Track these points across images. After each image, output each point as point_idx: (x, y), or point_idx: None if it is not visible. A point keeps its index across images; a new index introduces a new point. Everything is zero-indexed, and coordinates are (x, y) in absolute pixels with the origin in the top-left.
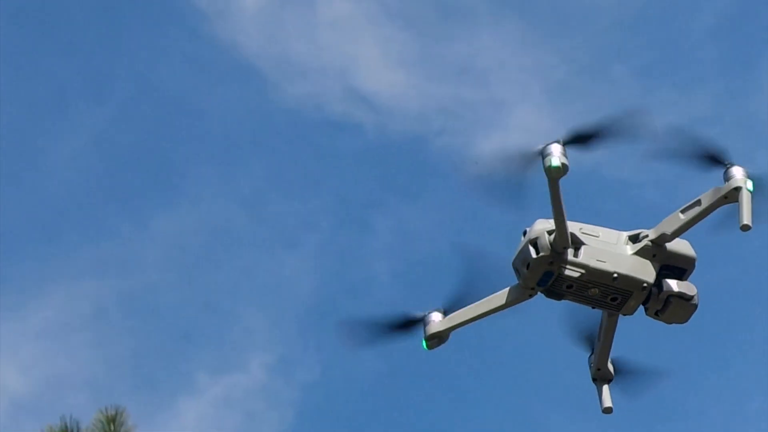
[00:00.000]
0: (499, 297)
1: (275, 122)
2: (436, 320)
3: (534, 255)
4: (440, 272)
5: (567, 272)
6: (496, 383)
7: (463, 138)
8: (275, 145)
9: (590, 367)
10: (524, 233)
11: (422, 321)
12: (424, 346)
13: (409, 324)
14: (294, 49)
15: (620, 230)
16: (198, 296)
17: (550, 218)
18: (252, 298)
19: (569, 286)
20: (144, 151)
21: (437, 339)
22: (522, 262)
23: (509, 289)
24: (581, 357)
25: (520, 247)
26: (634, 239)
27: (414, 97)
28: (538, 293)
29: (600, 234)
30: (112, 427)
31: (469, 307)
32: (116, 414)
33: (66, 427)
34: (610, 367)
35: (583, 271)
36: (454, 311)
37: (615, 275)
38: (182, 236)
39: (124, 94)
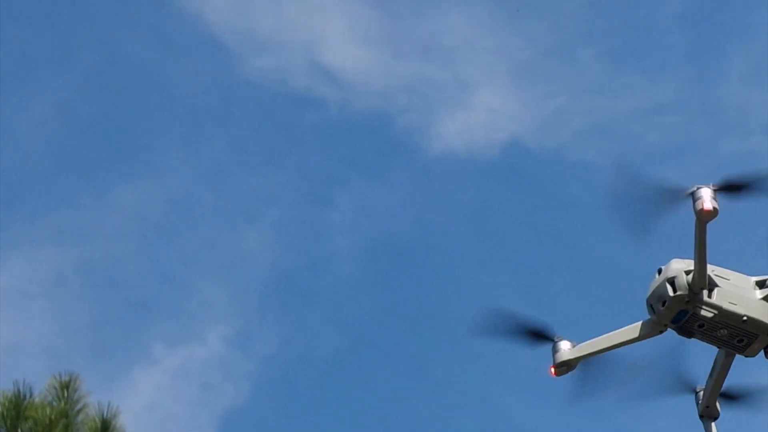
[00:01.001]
0: (631, 331)
1: (239, 95)
2: (566, 348)
3: (672, 293)
4: (402, 250)
5: (702, 312)
6: (457, 364)
7: (427, 116)
8: (238, 118)
9: (698, 404)
10: (659, 271)
11: (553, 344)
12: (552, 372)
13: (541, 337)
14: (259, 22)
15: (748, 275)
16: (157, 267)
17: (684, 258)
18: (211, 270)
19: (700, 326)
20: (106, 121)
21: (566, 366)
22: (658, 300)
23: (641, 324)
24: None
25: (655, 285)
26: (761, 284)
27: (379, 74)
28: (669, 329)
29: (730, 277)
30: (66, 394)
31: (600, 338)
32: (70, 380)
33: (19, 392)
34: (718, 405)
35: (716, 312)
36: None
37: (745, 318)
38: (143, 207)
39: (88, 63)
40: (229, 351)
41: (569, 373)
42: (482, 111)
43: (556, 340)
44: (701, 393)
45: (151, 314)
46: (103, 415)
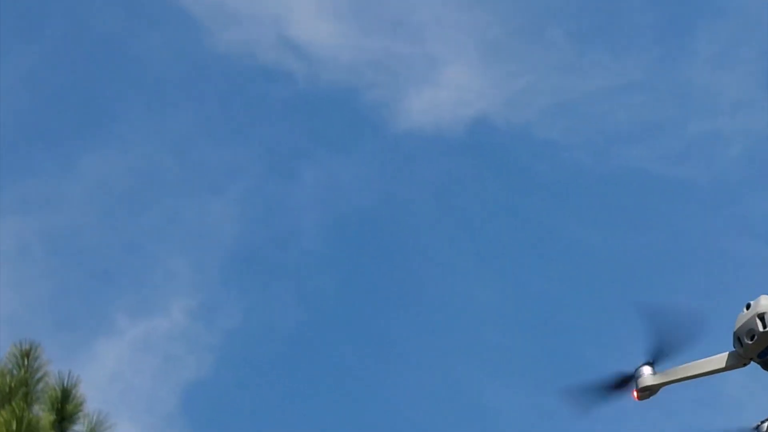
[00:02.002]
0: (717, 361)
1: (207, 68)
2: (648, 374)
3: (761, 329)
4: (367, 225)
5: None
6: (421, 339)
7: (394, 92)
8: (206, 90)
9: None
10: (747, 306)
11: (634, 375)
12: (635, 396)
13: (624, 382)
14: None
15: None
16: (121, 238)
17: None
18: (175, 242)
19: None
20: (73, 92)
21: (648, 391)
22: (747, 334)
23: (727, 355)
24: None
25: (744, 319)
26: None
27: (347, 48)
28: (752, 363)
29: None
30: (26, 362)
31: (684, 366)
32: (30, 349)
33: None
34: None
35: None
36: (661, 363)
37: None
38: (108, 177)
39: (55, 33)
40: (192, 323)
41: (651, 397)
42: (450, 88)
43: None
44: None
45: (114, 285)
46: (63, 384)
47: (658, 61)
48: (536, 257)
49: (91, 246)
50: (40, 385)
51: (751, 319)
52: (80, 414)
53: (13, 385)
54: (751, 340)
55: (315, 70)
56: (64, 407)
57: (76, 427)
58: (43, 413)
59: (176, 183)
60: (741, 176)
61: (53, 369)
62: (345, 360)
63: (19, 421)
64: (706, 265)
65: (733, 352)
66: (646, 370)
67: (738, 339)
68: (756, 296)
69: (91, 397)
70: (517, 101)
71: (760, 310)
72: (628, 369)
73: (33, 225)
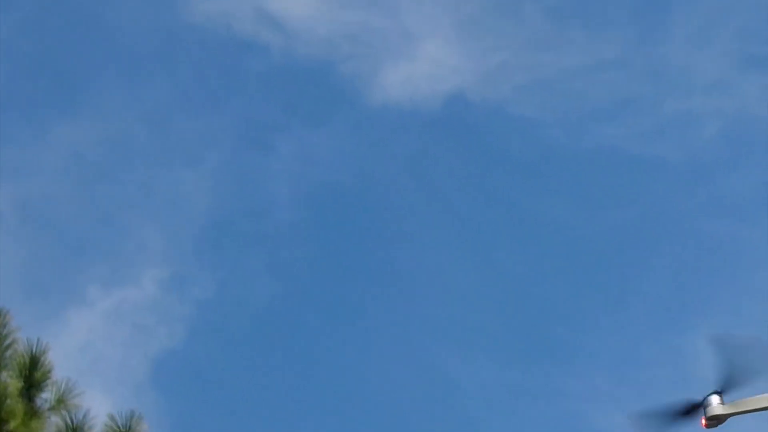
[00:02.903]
0: None
1: (183, 39)
2: (717, 403)
3: None
4: (340, 198)
5: None
6: (392, 313)
7: (370, 66)
8: (182, 61)
9: None
10: None
11: (702, 404)
12: (703, 424)
13: (693, 409)
14: None
15: None
16: (94, 208)
17: None
18: (148, 213)
19: None
20: (48, 61)
21: (716, 420)
22: None
23: None
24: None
25: None
26: None
27: (323, 21)
28: None
29: None
30: None
31: (755, 398)
32: None
33: None
34: None
35: None
36: (730, 394)
37: None
38: (82, 147)
39: (30, 2)
40: (163, 294)
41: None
42: (426, 62)
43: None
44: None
45: (86, 255)
46: (32, 351)
47: (634, 39)
48: (509, 233)
49: (63, 215)
50: (9, 352)
51: None
52: (48, 381)
53: None
54: None
55: (291, 43)
56: (33, 374)
57: (44, 395)
58: (10, 380)
59: (150, 153)
60: (715, 155)
61: (22, 336)
62: (316, 332)
63: None
64: (679, 242)
65: None
66: (715, 399)
67: None
68: (730, 276)
69: (62, 365)
70: (493, 77)
71: None
72: (697, 397)
73: (5, 193)
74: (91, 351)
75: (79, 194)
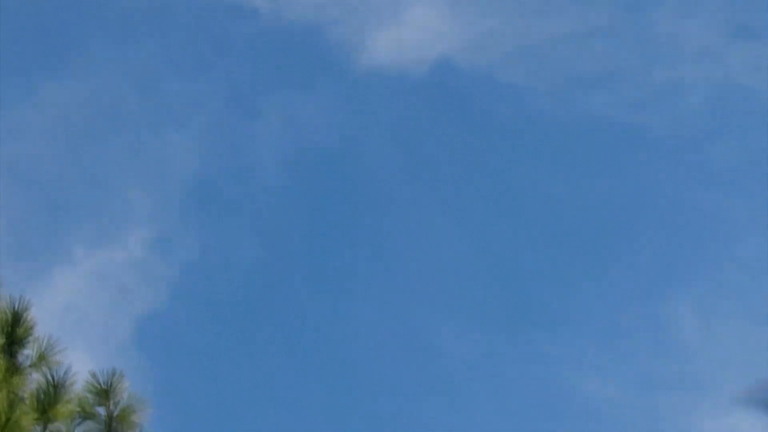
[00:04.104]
0: None
1: (172, 1)
2: None
3: None
4: (327, 163)
5: None
6: (380, 280)
7: (358, 30)
8: (170, 24)
9: None
10: None
11: None
12: None
13: None
14: None
15: None
16: (81, 169)
17: None
18: (135, 174)
19: None
20: (36, 21)
21: None
22: None
23: None
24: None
25: None
26: None
27: None
28: None
29: None
30: None
31: None
32: None
33: None
34: None
35: None
36: None
37: None
38: (70, 108)
39: None
40: (149, 255)
41: None
42: (414, 28)
43: None
44: None
45: (72, 215)
46: (14, 307)
47: (622, 7)
48: (495, 199)
49: (50, 175)
50: None
51: None
52: (30, 338)
53: None
54: None
55: (279, 6)
56: (14, 330)
57: (25, 351)
58: None
59: (137, 115)
60: (702, 125)
61: (4, 293)
62: (301, 296)
63: None
64: (664, 211)
65: None
66: None
67: None
68: (715, 245)
69: (46, 324)
70: (481, 44)
71: None
72: None
73: None
74: (76, 311)
75: (67, 155)
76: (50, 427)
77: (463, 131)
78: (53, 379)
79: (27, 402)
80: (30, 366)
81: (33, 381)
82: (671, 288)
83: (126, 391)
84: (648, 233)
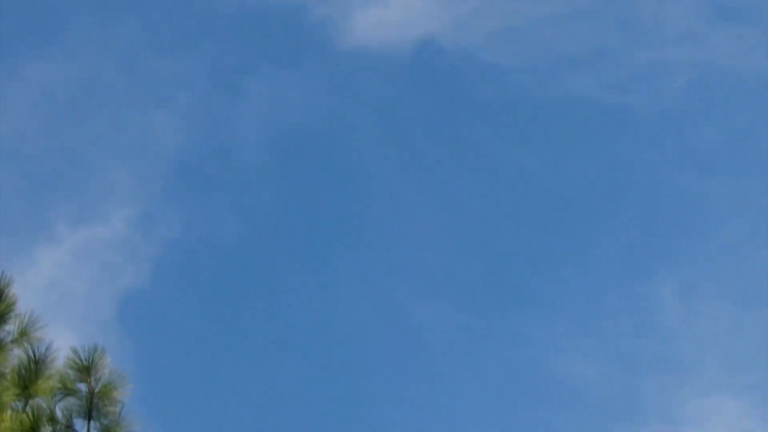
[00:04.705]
0: None
1: None
2: None
3: None
4: (309, 142)
5: None
6: (360, 257)
7: (342, 9)
8: (154, 1)
9: None
10: None
11: None
12: None
13: None
14: None
15: None
16: (64, 146)
17: None
18: (118, 152)
19: None
20: None
21: None
22: None
23: None
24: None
25: None
26: None
27: None
28: None
29: None
30: None
31: None
32: None
33: None
34: None
35: None
36: None
37: None
38: (53, 85)
39: None
40: (131, 232)
41: None
42: (397, 7)
43: None
44: None
45: (55, 192)
46: None
47: None
48: (476, 179)
49: (32, 152)
50: None
51: None
52: (12, 314)
53: None
54: None
55: None
56: None
57: (7, 327)
58: None
59: (121, 93)
60: (684, 107)
61: None
62: (282, 274)
63: None
64: (645, 193)
65: None
66: None
67: None
68: (696, 227)
69: (27, 301)
70: (465, 24)
71: None
72: None
73: None
74: (58, 288)
75: (49, 132)
76: (31, 402)
77: (445, 111)
78: (34, 355)
79: (8, 378)
80: (11, 342)
81: (14, 357)
82: (653, 269)
83: (107, 367)
84: (630, 214)
